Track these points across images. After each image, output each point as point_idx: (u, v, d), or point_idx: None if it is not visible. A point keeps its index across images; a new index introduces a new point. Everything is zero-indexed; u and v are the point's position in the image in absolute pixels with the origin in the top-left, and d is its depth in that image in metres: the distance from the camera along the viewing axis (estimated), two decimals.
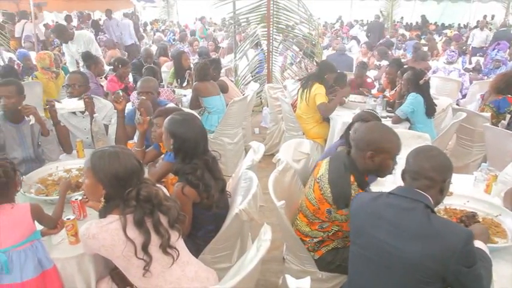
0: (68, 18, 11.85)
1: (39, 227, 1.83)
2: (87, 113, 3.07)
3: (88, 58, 4.98)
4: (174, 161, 2.12)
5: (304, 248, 2.11)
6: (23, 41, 9.33)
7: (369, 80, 5.29)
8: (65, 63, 6.30)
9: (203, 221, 2.04)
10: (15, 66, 6.18)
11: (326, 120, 4.14)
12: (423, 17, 17.08)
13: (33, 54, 6.90)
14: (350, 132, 2.47)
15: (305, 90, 4.05)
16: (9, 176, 1.77)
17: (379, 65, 7.04)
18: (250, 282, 1.59)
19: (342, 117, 3.94)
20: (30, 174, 2.47)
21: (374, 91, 5.17)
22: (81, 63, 5.52)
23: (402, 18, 17.46)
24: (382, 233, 1.57)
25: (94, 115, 2.97)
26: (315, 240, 2.10)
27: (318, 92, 3.96)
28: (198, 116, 3.80)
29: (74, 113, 3.11)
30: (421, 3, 17.61)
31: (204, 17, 15.92)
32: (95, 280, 1.81)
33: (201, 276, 1.71)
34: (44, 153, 2.80)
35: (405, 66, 4.65)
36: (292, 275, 1.36)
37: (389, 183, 2.38)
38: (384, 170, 1.96)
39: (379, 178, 2.16)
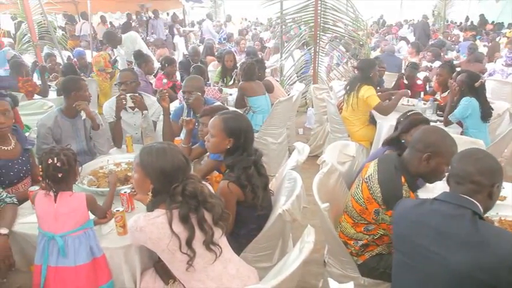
0: (102, 19, 12.35)
1: (91, 216, 1.94)
2: (137, 109, 3.19)
3: (139, 57, 5.17)
4: (219, 159, 2.14)
5: (347, 252, 2.07)
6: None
7: (418, 82, 5.09)
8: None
9: (246, 220, 2.05)
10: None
11: (372, 122, 4.04)
12: (482, 16, 16.18)
13: (88, 53, 7.29)
14: (407, 138, 2.40)
15: (352, 94, 3.95)
16: (71, 165, 1.89)
17: (431, 66, 6.77)
18: (291, 283, 1.58)
19: (389, 120, 3.83)
20: (83, 166, 2.59)
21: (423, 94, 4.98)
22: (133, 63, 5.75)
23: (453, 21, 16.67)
24: (427, 240, 1.50)
25: (144, 112, 3.08)
26: (360, 243, 2.06)
27: (369, 94, 3.85)
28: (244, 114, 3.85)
29: (125, 109, 3.23)
30: (477, 2, 16.74)
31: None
32: (140, 271, 1.87)
33: (242, 274, 1.72)
34: (95, 147, 2.95)
35: (458, 69, 4.44)
36: (333, 279, 1.34)
37: (439, 190, 2.29)
38: (435, 174, 1.90)
39: (427, 184, 2.08)
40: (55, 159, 1.82)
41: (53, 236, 1.78)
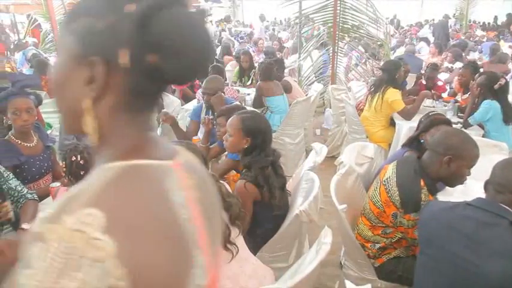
0: None
1: None
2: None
3: None
4: (237, 158, 2.15)
5: (364, 254, 2.05)
6: None
7: (439, 83, 5.01)
8: None
9: (263, 220, 2.05)
10: None
11: (392, 124, 3.99)
12: (509, 15, 15.74)
13: None
14: (427, 137, 2.37)
15: (377, 95, 3.90)
16: (85, 169, 1.92)
17: (452, 67, 6.65)
18: (308, 285, 1.57)
19: (408, 122, 3.78)
20: None
21: (444, 95, 4.90)
22: None
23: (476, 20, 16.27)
24: (458, 246, 1.47)
25: (162, 110, 3.11)
26: (377, 246, 2.03)
27: (394, 98, 3.79)
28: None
29: None
30: (502, 1, 16.30)
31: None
32: None
33: (258, 273, 1.72)
34: None
35: (481, 70, 4.35)
36: (349, 282, 1.32)
37: (458, 193, 2.25)
38: (456, 178, 1.86)
39: (447, 187, 2.05)
40: (78, 156, 1.87)
41: None
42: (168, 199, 0.58)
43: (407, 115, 3.81)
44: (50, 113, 3.84)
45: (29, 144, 2.45)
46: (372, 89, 4.00)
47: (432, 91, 4.56)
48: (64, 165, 1.90)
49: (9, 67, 6.03)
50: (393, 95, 3.81)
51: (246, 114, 2.14)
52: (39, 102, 3.34)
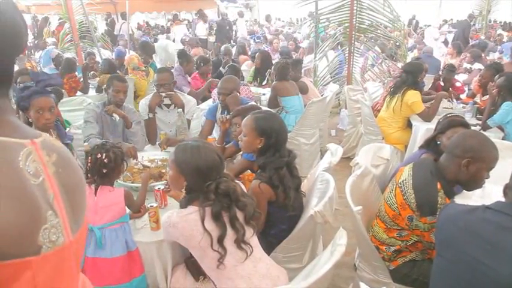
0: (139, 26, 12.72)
1: (127, 211, 1.99)
2: (172, 107, 3.25)
3: (182, 55, 5.30)
4: (252, 159, 2.15)
5: (378, 257, 2.03)
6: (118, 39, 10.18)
7: (458, 84, 4.92)
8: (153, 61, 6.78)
9: (277, 220, 2.05)
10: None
11: (409, 125, 3.94)
12: None
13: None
14: (443, 139, 2.33)
15: (396, 96, 3.85)
16: (117, 163, 1.97)
17: (470, 68, 6.53)
18: (322, 286, 1.56)
19: (425, 124, 3.74)
20: None
21: (463, 96, 4.81)
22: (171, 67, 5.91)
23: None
24: (476, 250, 1.43)
25: (178, 110, 3.14)
26: (392, 249, 2.01)
27: (415, 99, 3.76)
28: None
29: (160, 106, 3.30)
30: None
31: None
32: (171, 266, 1.91)
33: (272, 274, 1.72)
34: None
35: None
36: (364, 284, 1.31)
37: (476, 197, 2.21)
38: (475, 181, 1.83)
39: (464, 191, 2.01)
40: (104, 155, 1.91)
41: (91, 228, 1.84)
42: (17, 168, 0.69)
43: (427, 117, 3.77)
44: (68, 111, 3.91)
45: None
46: (392, 90, 3.95)
47: (450, 90, 4.49)
48: (89, 161, 1.93)
49: (29, 65, 6.18)
50: (413, 96, 3.77)
51: (260, 114, 2.14)
52: (59, 98, 3.42)
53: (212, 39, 11.38)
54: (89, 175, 1.95)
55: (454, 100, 4.32)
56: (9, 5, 0.73)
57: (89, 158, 1.94)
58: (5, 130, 0.72)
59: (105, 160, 1.90)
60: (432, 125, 2.76)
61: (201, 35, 11.72)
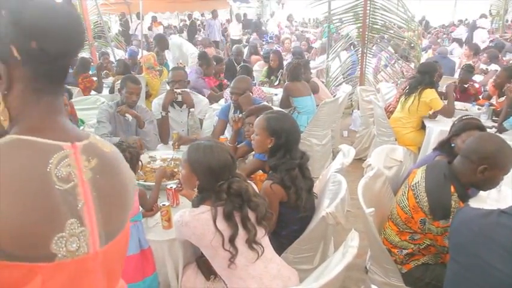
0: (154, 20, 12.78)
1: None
2: (184, 106, 3.27)
3: (202, 57, 5.29)
4: (264, 159, 2.15)
5: (390, 260, 2.01)
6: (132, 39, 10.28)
7: (475, 85, 4.83)
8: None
9: (288, 221, 2.04)
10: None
11: (423, 127, 3.90)
12: None
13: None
14: (457, 142, 2.30)
15: (412, 96, 3.82)
16: (133, 163, 2.00)
17: (487, 69, 6.42)
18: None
19: (439, 125, 3.69)
20: None
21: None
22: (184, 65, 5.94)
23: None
24: (490, 255, 1.41)
25: (191, 109, 3.15)
26: (404, 252, 1.99)
27: (432, 97, 3.76)
28: None
29: (173, 106, 3.32)
30: None
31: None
32: (182, 265, 1.92)
33: (283, 274, 1.72)
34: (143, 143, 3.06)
35: None
36: (375, 286, 1.30)
37: (492, 200, 2.17)
38: (490, 184, 1.79)
39: (480, 194, 1.98)
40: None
41: None
42: (43, 171, 0.68)
43: (447, 112, 3.77)
44: (83, 110, 3.96)
45: None
46: (407, 91, 3.92)
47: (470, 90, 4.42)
48: None
49: None
50: (431, 94, 3.76)
51: (272, 114, 2.14)
52: (70, 96, 3.47)
53: (245, 38, 11.43)
54: None
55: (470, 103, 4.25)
56: (65, 3, 0.74)
57: None
58: (46, 130, 0.72)
59: None
60: (446, 127, 2.72)
61: (235, 36, 11.69)
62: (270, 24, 13.22)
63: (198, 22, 14.70)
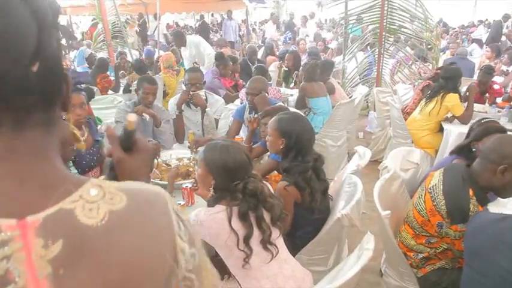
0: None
1: None
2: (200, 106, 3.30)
3: (220, 58, 5.31)
4: (279, 159, 2.15)
5: (406, 263, 1.98)
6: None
7: (495, 87, 4.72)
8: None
9: (303, 222, 2.04)
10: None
11: (441, 130, 3.84)
12: None
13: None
14: (479, 147, 2.26)
15: (434, 99, 3.76)
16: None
17: (507, 70, 6.28)
18: None
19: (457, 128, 3.63)
20: None
21: (498, 100, 4.63)
22: (197, 65, 5.96)
23: None
24: (505, 260, 1.38)
25: (206, 109, 3.17)
26: (420, 256, 1.96)
27: (454, 102, 3.70)
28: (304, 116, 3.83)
29: (188, 106, 3.34)
30: None
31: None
32: None
33: (297, 276, 1.71)
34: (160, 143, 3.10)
35: None
36: None
37: None
38: (510, 188, 1.75)
39: (499, 198, 1.94)
40: None
41: None
42: None
43: (465, 118, 3.71)
44: (100, 109, 4.02)
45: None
46: (429, 95, 3.86)
47: (487, 95, 4.34)
48: None
49: (64, 64, 6.39)
50: (453, 99, 3.71)
51: (284, 115, 2.15)
52: (90, 96, 3.53)
53: (281, 39, 11.44)
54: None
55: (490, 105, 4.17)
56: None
57: None
58: None
59: None
60: (464, 129, 2.67)
61: (273, 37, 11.64)
62: (310, 26, 13.16)
63: (212, 23, 14.78)
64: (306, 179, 1.97)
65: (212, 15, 16.17)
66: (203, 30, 12.11)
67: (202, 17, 14.38)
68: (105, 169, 2.33)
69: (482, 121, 2.44)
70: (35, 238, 0.45)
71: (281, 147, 2.08)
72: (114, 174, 0.79)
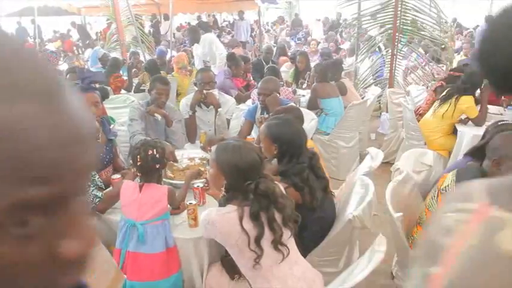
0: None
1: None
2: (211, 106, 3.31)
3: (231, 58, 5.32)
4: None
5: None
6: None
7: None
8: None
9: (308, 223, 2.02)
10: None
11: (454, 131, 3.79)
12: None
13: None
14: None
15: (449, 101, 3.72)
16: (165, 157, 2.02)
17: None
18: None
19: (471, 130, 3.58)
20: None
21: None
22: (208, 64, 5.97)
23: None
24: None
25: (218, 109, 3.18)
26: None
27: (469, 104, 3.66)
28: (316, 116, 3.81)
29: (200, 105, 3.36)
30: None
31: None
32: (207, 264, 1.94)
33: (307, 277, 1.71)
34: (171, 142, 3.12)
35: None
36: None
37: None
38: None
39: None
40: (154, 150, 1.95)
41: (134, 223, 1.90)
42: None
43: (479, 121, 3.66)
44: (113, 109, 4.06)
45: None
46: (443, 96, 3.81)
47: (503, 98, 4.26)
48: (138, 160, 1.94)
49: (78, 63, 6.49)
50: (468, 101, 3.66)
51: (272, 121, 2.15)
52: (104, 96, 3.57)
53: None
54: (137, 174, 2.00)
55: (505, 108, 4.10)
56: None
57: (138, 156, 1.95)
58: None
59: (157, 155, 1.94)
60: (479, 132, 2.64)
61: (317, 37, 11.61)
62: (319, 28, 13.13)
63: (225, 23, 14.80)
64: (304, 179, 1.97)
65: (217, 15, 16.19)
66: (202, 29, 12.16)
67: (199, 17, 14.42)
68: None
69: (499, 123, 2.41)
70: None
71: (275, 152, 2.08)
72: None
